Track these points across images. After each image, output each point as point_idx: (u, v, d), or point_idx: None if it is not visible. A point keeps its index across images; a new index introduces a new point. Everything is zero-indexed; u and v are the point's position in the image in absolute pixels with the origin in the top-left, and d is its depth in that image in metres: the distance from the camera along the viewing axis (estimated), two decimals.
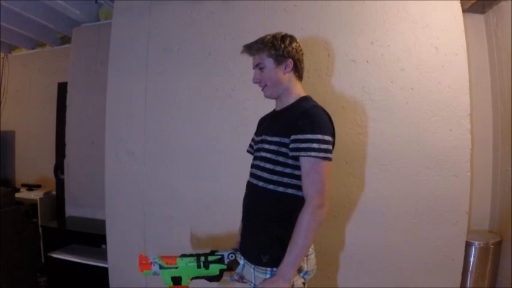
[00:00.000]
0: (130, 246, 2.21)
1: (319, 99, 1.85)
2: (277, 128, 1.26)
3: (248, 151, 1.53)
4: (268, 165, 1.22)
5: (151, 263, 1.28)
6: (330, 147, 1.18)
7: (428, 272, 1.83)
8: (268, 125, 1.35)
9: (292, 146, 1.17)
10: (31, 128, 3.75)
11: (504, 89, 2.03)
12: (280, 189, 1.20)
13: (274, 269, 1.17)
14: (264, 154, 1.25)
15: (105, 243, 2.28)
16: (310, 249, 1.26)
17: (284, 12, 1.95)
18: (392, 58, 1.84)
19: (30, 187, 3.57)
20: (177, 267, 1.28)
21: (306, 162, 1.15)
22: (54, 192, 3.28)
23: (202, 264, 1.29)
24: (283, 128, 1.22)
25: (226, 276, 1.33)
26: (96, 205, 2.73)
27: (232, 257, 1.31)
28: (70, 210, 2.96)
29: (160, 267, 1.28)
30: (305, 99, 1.30)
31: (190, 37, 2.10)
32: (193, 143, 2.09)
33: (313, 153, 1.13)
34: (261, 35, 1.33)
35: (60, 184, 3.07)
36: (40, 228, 2.89)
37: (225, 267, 1.31)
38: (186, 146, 2.10)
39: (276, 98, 1.34)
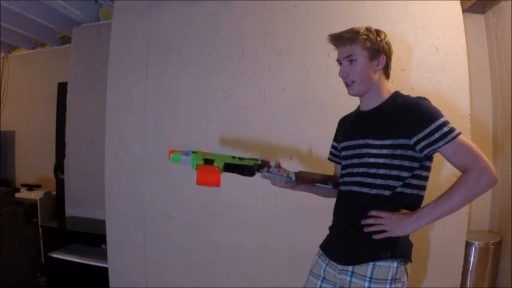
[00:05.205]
0: (130, 246, 2.21)
1: (320, 99, 1.89)
2: (382, 129, 1.14)
3: (330, 159, 1.43)
4: (381, 171, 1.12)
5: (181, 150, 1.24)
6: None
7: (428, 272, 1.83)
8: (363, 126, 1.22)
9: (422, 144, 1.07)
10: (31, 128, 3.74)
11: (504, 89, 2.03)
12: (399, 189, 1.11)
13: (399, 259, 1.09)
14: (372, 160, 1.14)
15: (105, 243, 2.28)
16: None
17: (284, 12, 1.94)
18: (392, 58, 1.83)
19: (30, 187, 3.57)
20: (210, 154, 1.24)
21: (446, 148, 1.06)
22: (54, 192, 3.28)
23: (237, 157, 1.26)
24: (394, 129, 1.11)
25: (261, 172, 1.27)
26: (96, 205, 2.73)
27: (262, 161, 1.27)
28: (70, 210, 2.96)
29: (193, 152, 1.24)
30: (399, 94, 1.20)
31: (190, 37, 2.10)
32: (193, 143, 2.08)
33: (448, 137, 1.05)
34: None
35: (60, 184, 3.07)
36: (40, 228, 2.89)
37: (259, 161, 1.27)
38: (186, 146, 2.09)
39: (362, 96, 1.24)
